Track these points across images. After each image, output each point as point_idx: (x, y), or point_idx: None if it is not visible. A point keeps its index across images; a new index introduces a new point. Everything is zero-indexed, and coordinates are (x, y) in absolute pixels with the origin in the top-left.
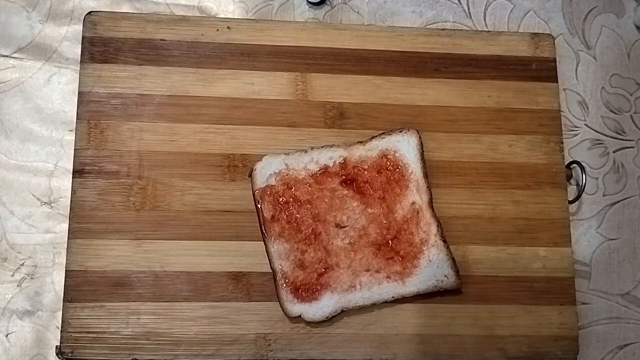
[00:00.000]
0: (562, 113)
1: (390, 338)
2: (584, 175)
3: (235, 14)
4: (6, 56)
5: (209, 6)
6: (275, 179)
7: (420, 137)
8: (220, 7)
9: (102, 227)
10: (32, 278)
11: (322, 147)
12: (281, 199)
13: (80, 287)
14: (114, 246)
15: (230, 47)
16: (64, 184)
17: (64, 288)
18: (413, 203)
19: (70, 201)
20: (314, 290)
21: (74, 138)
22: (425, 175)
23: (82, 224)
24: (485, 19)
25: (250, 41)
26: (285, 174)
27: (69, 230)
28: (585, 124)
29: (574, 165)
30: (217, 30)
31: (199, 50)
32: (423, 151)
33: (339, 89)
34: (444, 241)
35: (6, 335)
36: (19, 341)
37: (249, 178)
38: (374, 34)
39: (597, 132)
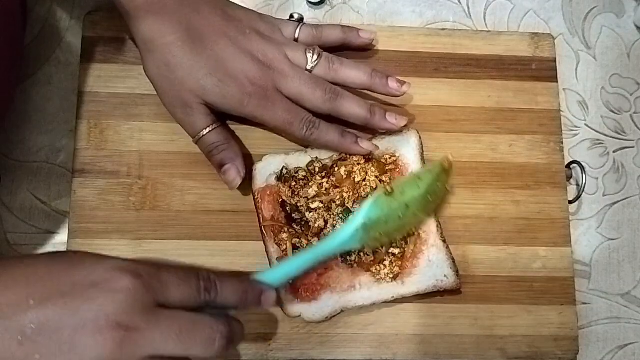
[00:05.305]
0: (562, 113)
1: (390, 338)
2: (584, 175)
3: None
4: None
5: None
6: (275, 179)
7: (420, 137)
8: None
9: (102, 227)
10: None
11: None
12: (281, 199)
13: None
14: (114, 246)
15: None
16: (64, 183)
17: None
18: None
19: (70, 201)
20: (314, 290)
21: (73, 138)
22: None
23: (82, 224)
24: (485, 19)
25: None
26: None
27: (69, 230)
28: (585, 124)
29: (574, 165)
30: None
31: None
32: (423, 151)
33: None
34: (444, 241)
35: None
36: None
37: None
38: None
39: (597, 132)
